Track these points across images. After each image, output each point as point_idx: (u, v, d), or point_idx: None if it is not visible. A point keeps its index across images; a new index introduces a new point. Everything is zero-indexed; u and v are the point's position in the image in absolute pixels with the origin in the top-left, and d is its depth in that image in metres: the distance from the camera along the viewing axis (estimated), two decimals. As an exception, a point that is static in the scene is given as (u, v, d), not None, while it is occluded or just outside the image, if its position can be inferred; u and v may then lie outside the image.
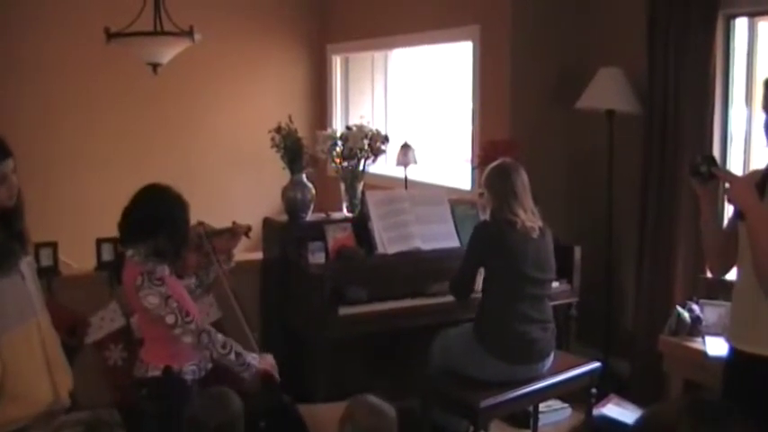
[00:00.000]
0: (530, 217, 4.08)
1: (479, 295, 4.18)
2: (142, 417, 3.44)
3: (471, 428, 3.99)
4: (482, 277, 4.17)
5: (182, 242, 3.40)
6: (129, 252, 3.33)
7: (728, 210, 4.25)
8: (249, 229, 3.85)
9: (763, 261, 2.75)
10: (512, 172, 4.12)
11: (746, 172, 4.67)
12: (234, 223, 3.82)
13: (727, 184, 2.88)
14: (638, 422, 1.77)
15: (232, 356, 3.36)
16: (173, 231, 3.34)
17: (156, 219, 3.31)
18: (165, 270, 3.32)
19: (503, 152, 5.01)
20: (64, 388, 3.07)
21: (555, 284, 4.71)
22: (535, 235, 4.05)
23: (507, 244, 3.99)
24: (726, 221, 3.26)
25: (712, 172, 2.92)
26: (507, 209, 4.04)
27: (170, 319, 3.25)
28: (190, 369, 3.42)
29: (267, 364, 3.53)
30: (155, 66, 5.34)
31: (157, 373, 3.36)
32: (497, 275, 4.06)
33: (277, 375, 3.57)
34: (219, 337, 3.36)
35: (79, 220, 6.55)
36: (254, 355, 3.48)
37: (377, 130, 5.06)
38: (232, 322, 3.89)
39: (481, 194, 4.30)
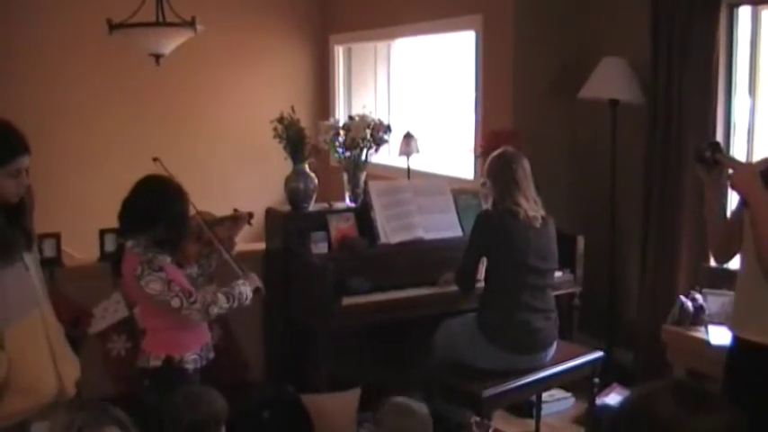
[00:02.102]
0: (532, 206, 4.08)
1: (482, 284, 4.19)
2: (144, 406, 3.45)
3: (475, 418, 3.99)
4: (484, 267, 4.17)
5: (181, 232, 3.41)
6: (129, 243, 3.34)
7: (732, 197, 4.27)
8: (251, 215, 3.85)
9: (765, 248, 2.75)
10: (513, 161, 4.11)
11: (750, 160, 4.68)
12: (235, 210, 3.81)
13: (730, 171, 2.88)
14: (623, 405, 1.77)
15: (236, 303, 3.42)
16: (172, 221, 3.35)
17: (155, 209, 3.33)
18: (165, 260, 3.33)
19: (505, 142, 5.00)
20: (69, 379, 3.08)
21: (558, 274, 4.70)
22: (537, 224, 4.05)
23: (509, 233, 3.99)
24: (731, 209, 3.26)
25: (717, 158, 2.92)
26: (509, 198, 4.04)
27: (175, 303, 3.27)
28: (191, 358, 3.43)
29: (255, 282, 3.58)
30: (157, 57, 5.34)
31: (159, 363, 3.38)
32: (499, 265, 4.06)
33: (263, 288, 3.63)
34: (221, 297, 3.39)
35: (82, 211, 6.56)
36: (243, 282, 3.52)
37: (379, 119, 5.05)
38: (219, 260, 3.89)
39: (483, 184, 4.31)
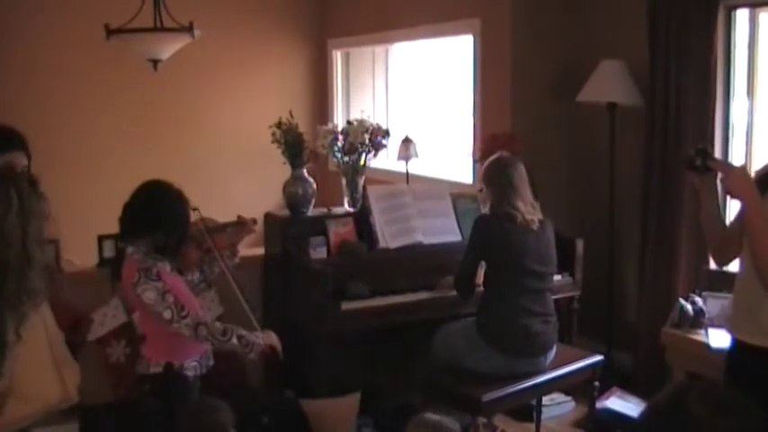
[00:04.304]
0: (529, 210, 4.08)
1: (482, 289, 4.18)
2: (144, 413, 3.45)
3: (482, 420, 3.99)
4: (482, 271, 4.17)
5: (181, 238, 3.42)
6: (130, 249, 3.34)
7: (729, 201, 4.27)
8: (255, 222, 3.86)
9: (757, 247, 2.75)
10: (509, 165, 4.12)
11: (748, 163, 4.68)
12: (239, 216, 3.82)
13: (723, 175, 2.88)
14: (648, 409, 1.77)
15: (234, 341, 3.35)
16: (172, 227, 3.35)
17: (155, 215, 3.33)
18: (165, 266, 3.33)
19: (504, 146, 5.01)
20: (72, 383, 3.08)
21: (557, 278, 4.71)
22: (535, 227, 4.05)
23: (508, 237, 3.98)
24: (730, 214, 3.26)
25: (707, 165, 2.92)
26: (506, 202, 4.04)
27: (167, 315, 3.26)
28: (191, 365, 3.43)
29: (271, 339, 3.52)
30: (155, 62, 5.33)
31: (159, 369, 3.37)
32: (498, 269, 4.05)
33: (280, 351, 3.55)
34: (218, 325, 3.36)
35: (81, 216, 6.52)
36: (258, 333, 3.48)
37: (378, 124, 5.05)
38: (232, 304, 3.87)
39: (480, 190, 4.31)
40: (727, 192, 2.90)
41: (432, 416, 3.02)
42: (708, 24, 4.72)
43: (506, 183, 4.06)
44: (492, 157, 4.25)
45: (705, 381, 4.15)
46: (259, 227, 4.76)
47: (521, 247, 3.99)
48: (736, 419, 1.62)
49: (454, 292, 4.31)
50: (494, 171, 4.14)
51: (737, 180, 2.84)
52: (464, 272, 4.17)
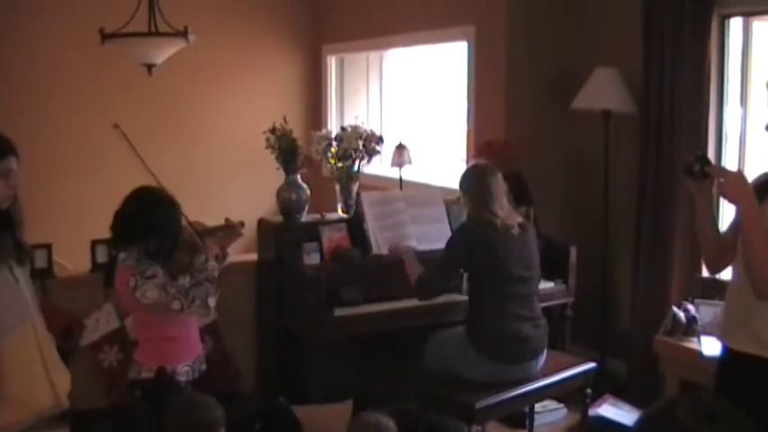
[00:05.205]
0: (508, 215, 4.09)
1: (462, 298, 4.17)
2: (135, 417, 3.44)
3: (477, 428, 3.98)
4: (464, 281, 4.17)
5: (173, 243, 3.41)
6: (122, 255, 3.33)
7: (725, 208, 4.28)
8: (242, 224, 3.83)
9: (751, 254, 2.76)
10: (487, 173, 4.16)
11: (742, 169, 4.69)
12: (227, 220, 3.80)
13: (721, 179, 2.88)
14: (640, 421, 1.77)
15: (209, 283, 3.34)
16: (164, 233, 3.35)
17: (146, 221, 3.32)
18: (158, 271, 3.31)
19: (498, 152, 5.02)
20: (63, 389, 3.07)
21: (550, 284, 4.72)
22: (515, 232, 4.05)
23: (491, 244, 3.98)
24: (724, 222, 3.26)
25: (705, 171, 2.92)
26: (485, 209, 4.05)
27: (176, 305, 3.26)
28: (183, 370, 3.42)
29: (212, 248, 3.48)
30: (149, 66, 5.33)
31: (151, 374, 3.36)
32: (483, 277, 4.04)
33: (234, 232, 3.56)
34: (207, 285, 3.33)
35: (74, 221, 6.54)
36: (204, 259, 3.42)
37: (372, 130, 5.06)
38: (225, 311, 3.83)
39: (458, 199, 4.32)
40: (723, 196, 2.89)
41: (371, 415, 3.05)
42: (702, 32, 4.73)
43: (484, 189, 4.08)
44: (468, 166, 4.30)
45: (698, 390, 4.17)
46: (252, 232, 4.77)
47: (504, 252, 3.99)
48: (725, 429, 1.63)
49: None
50: (471, 178, 4.18)
51: (735, 184, 2.84)
52: (438, 278, 4.17)
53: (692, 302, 4.65)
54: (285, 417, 4.31)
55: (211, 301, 3.34)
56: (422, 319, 4.49)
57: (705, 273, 4.60)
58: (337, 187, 5.01)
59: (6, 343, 2.86)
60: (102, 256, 4.56)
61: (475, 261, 4.04)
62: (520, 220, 4.14)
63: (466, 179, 4.19)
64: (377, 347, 4.82)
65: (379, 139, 4.97)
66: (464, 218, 4.25)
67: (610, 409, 4.75)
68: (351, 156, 4.89)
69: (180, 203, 3.47)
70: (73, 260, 5.18)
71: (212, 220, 3.82)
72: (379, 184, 6.33)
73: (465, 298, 4.30)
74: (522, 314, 4.03)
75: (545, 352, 4.15)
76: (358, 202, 4.86)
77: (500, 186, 4.13)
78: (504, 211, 4.10)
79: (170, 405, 3.14)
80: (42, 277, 4.40)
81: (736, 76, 4.89)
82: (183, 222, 3.51)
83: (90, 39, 5.27)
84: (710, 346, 4.26)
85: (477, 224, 4.06)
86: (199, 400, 3.06)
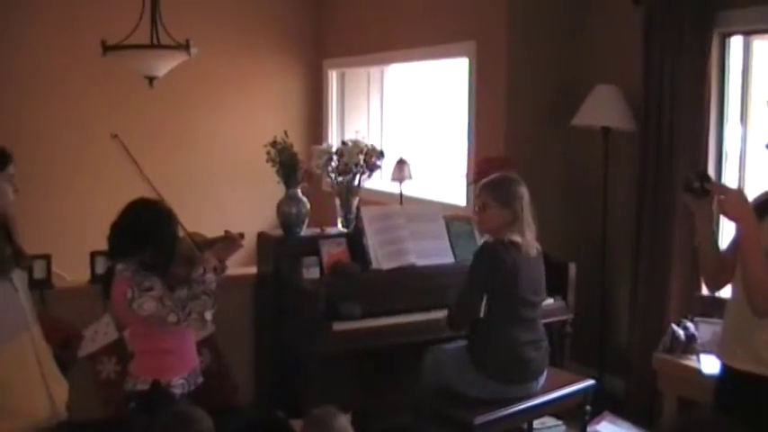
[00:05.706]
0: (531, 237, 3.96)
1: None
2: (131, 429, 3.43)
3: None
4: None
5: (170, 255, 3.40)
6: (119, 266, 3.33)
7: (724, 226, 4.28)
8: (242, 236, 3.83)
9: (749, 271, 2.76)
10: (520, 186, 3.98)
11: (741, 188, 4.69)
12: (227, 232, 3.80)
13: (722, 196, 2.88)
14: None
15: (206, 296, 3.36)
16: (161, 244, 3.35)
17: (143, 232, 3.32)
18: (155, 283, 3.31)
19: (498, 169, 4.99)
20: (60, 400, 3.07)
21: (549, 301, 4.70)
22: (533, 254, 3.98)
23: (515, 268, 3.87)
24: (724, 239, 3.26)
25: (705, 188, 2.92)
26: (516, 228, 3.91)
27: (172, 318, 3.27)
28: (179, 383, 3.42)
29: (211, 260, 3.49)
30: (151, 79, 5.34)
31: (146, 386, 3.36)
32: (496, 299, 3.94)
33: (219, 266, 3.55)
34: (204, 298, 3.35)
35: (73, 232, 6.53)
36: (202, 271, 3.44)
37: (372, 145, 5.06)
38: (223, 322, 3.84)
39: (481, 209, 4.03)
40: (723, 213, 2.89)
41: (320, 410, 3.05)
42: (702, 51, 4.74)
43: (520, 208, 3.92)
44: (498, 175, 4.07)
45: (697, 409, 4.16)
46: (252, 246, 4.76)
47: (522, 278, 3.90)
48: None
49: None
50: (508, 192, 3.95)
51: (735, 202, 2.84)
52: (468, 304, 3.98)
53: (692, 320, 4.64)
54: (282, 430, 4.29)
55: (208, 315, 3.35)
56: (421, 335, 4.48)
57: (704, 291, 4.59)
58: (337, 202, 5.01)
59: (3, 353, 2.86)
60: (101, 268, 4.56)
61: (494, 282, 3.91)
62: (538, 245, 4.03)
63: (501, 190, 3.95)
64: (375, 362, 4.81)
65: (380, 154, 4.97)
66: (467, 228, 4.19)
67: (608, 427, 4.74)
68: (351, 170, 4.90)
69: (179, 215, 3.47)
70: (72, 271, 5.18)
71: (212, 232, 3.82)
72: (380, 198, 6.33)
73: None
74: (527, 338, 3.97)
75: (545, 372, 4.12)
76: (358, 217, 4.86)
77: (528, 201, 3.96)
78: (532, 233, 3.97)
79: (162, 417, 3.13)
80: (41, 288, 4.40)
81: (737, 94, 4.90)
82: (182, 234, 3.50)
83: (90, 50, 5.29)
84: (710, 364, 4.25)
85: (502, 244, 3.90)
86: (187, 412, 3.04)
